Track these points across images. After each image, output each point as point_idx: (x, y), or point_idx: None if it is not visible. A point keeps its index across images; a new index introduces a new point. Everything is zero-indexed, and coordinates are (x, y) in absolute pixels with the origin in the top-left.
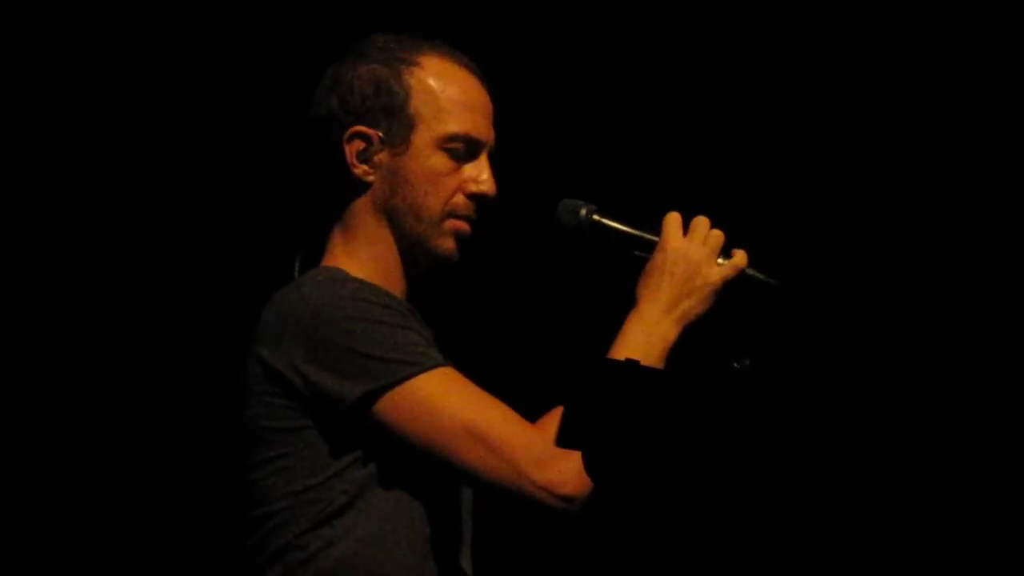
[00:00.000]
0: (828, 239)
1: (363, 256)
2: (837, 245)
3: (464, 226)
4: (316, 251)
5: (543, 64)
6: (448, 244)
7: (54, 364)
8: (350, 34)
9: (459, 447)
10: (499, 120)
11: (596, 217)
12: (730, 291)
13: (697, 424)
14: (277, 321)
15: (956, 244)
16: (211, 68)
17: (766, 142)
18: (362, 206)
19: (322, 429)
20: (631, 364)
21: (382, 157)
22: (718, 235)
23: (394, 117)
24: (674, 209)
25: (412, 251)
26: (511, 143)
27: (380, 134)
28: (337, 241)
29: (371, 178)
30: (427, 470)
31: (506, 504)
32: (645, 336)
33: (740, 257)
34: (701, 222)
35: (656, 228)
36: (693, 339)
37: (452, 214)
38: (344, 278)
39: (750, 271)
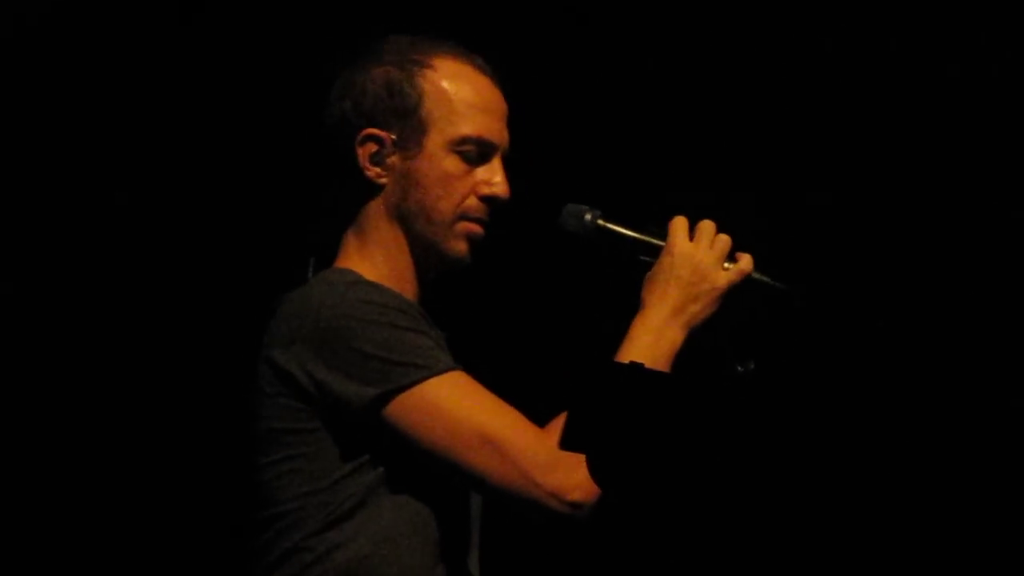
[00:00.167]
0: (830, 242)
1: (376, 258)
2: (839, 248)
3: (476, 228)
4: (329, 253)
5: (547, 67)
6: (460, 247)
7: (66, 364)
8: (364, 36)
9: (468, 451)
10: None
11: (601, 222)
12: (735, 295)
13: (704, 428)
14: (289, 323)
15: (956, 244)
16: (226, 71)
17: (770, 146)
18: (375, 208)
19: (332, 431)
20: (638, 368)
21: (394, 160)
22: (725, 239)
23: (407, 120)
24: (679, 213)
25: (424, 253)
26: (516, 147)
27: (393, 136)
28: (350, 243)
29: (384, 180)
30: (436, 474)
31: (515, 509)
32: (652, 340)
33: (746, 262)
34: (707, 226)
35: (661, 232)
36: (696, 342)
37: (464, 217)
38: (356, 280)
39: (756, 275)
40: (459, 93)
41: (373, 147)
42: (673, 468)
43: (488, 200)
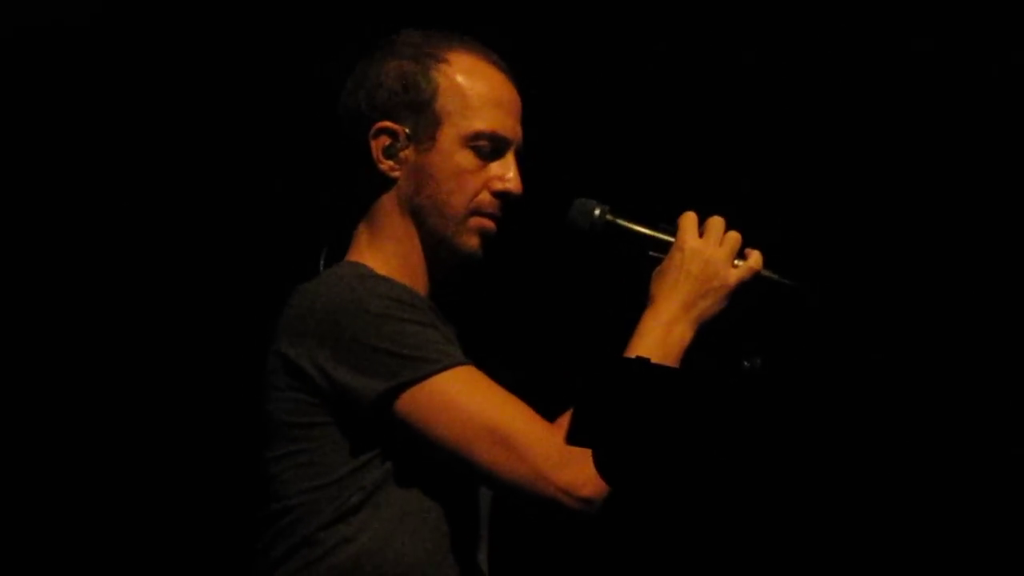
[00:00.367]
0: (837, 240)
1: (387, 252)
2: (846, 245)
3: (489, 224)
4: (341, 246)
5: (552, 64)
6: (472, 242)
7: (76, 357)
8: (379, 31)
9: (478, 446)
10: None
11: (610, 217)
12: (744, 291)
13: (711, 423)
14: (299, 316)
15: (956, 244)
16: (242, 63)
17: (780, 143)
18: (387, 202)
19: (341, 425)
20: (647, 363)
21: (408, 153)
22: (735, 236)
23: (421, 113)
24: (689, 209)
25: (436, 248)
26: (526, 142)
27: (406, 130)
28: (362, 237)
29: (397, 174)
30: (445, 468)
31: (525, 504)
32: (662, 336)
33: (755, 259)
34: (717, 222)
35: (670, 228)
36: (704, 338)
37: (477, 212)
38: (368, 274)
39: (765, 272)
40: (474, 88)
41: (386, 140)
42: (680, 464)
43: (501, 196)
